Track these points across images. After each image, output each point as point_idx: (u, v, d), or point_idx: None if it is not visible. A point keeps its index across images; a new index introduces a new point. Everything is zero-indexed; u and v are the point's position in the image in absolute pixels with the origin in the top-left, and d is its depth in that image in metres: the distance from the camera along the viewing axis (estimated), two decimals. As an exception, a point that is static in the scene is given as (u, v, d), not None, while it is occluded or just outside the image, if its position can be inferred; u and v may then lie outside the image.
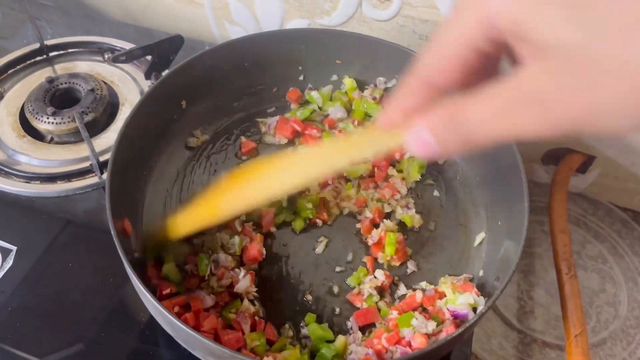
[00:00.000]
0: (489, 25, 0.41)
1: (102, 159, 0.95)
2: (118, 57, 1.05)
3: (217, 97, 0.96)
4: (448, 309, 0.77)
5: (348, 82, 0.98)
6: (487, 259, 0.83)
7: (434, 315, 0.77)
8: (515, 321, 1.15)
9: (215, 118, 0.97)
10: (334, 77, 1.00)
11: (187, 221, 0.73)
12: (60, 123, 1.00)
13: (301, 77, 1.00)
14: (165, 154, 0.90)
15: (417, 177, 0.92)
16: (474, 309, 0.77)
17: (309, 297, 0.80)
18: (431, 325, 0.74)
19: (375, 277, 0.81)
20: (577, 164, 1.21)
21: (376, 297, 0.80)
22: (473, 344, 1.11)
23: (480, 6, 0.42)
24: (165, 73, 0.88)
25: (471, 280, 0.82)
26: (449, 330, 0.74)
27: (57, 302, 0.83)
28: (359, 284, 0.81)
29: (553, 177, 1.17)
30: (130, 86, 1.11)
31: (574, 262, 1.04)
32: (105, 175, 0.96)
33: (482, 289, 0.79)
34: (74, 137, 1.02)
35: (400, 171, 0.93)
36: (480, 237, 0.86)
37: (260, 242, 0.82)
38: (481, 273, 0.82)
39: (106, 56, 1.15)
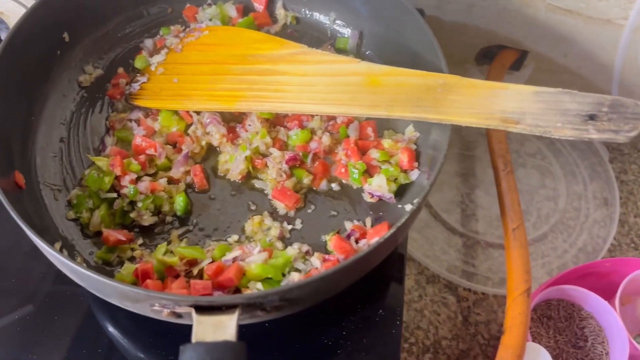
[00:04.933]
0: None
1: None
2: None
3: (105, 25, 0.87)
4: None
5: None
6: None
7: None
8: (458, 225, 1.13)
9: (106, 49, 0.87)
10: (233, -12, 0.91)
11: None
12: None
13: (198, -8, 0.91)
14: (54, 95, 0.81)
15: None
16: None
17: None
18: None
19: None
20: (510, 60, 1.17)
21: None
22: (415, 251, 1.10)
23: None
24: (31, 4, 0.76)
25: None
26: (381, 234, 0.71)
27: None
28: None
29: (487, 75, 1.13)
30: None
31: (510, 158, 1.01)
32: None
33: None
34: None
35: None
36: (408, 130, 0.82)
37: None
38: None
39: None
